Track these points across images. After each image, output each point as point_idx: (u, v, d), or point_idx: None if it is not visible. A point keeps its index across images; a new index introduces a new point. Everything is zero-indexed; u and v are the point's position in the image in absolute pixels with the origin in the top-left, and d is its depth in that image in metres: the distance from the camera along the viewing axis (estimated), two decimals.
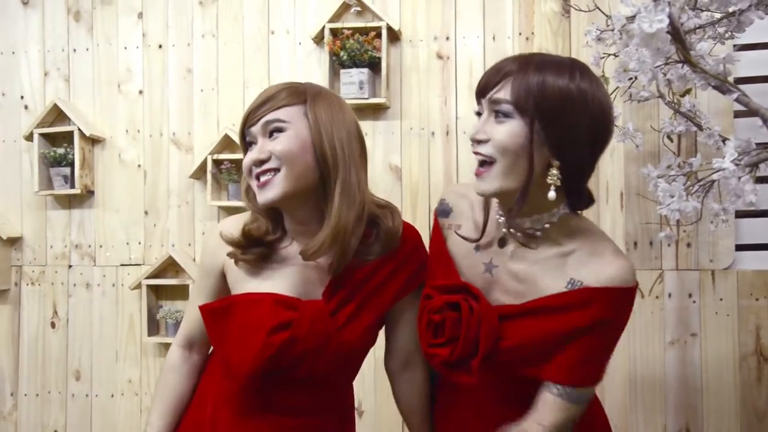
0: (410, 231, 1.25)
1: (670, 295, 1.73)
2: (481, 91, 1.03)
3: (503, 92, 0.99)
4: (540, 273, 1.05)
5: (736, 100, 0.88)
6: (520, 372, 1.06)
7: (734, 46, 1.70)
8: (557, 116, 0.97)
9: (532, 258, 1.07)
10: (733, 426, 1.71)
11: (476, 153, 1.03)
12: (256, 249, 1.17)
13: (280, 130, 1.12)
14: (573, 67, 1.00)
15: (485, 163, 1.03)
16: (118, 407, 2.33)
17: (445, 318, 1.06)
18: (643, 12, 0.79)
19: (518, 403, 1.08)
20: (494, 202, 1.12)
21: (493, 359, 1.05)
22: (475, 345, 1.04)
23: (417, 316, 1.19)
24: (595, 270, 1.01)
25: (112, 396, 2.33)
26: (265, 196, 1.11)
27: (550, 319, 1.01)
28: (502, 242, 1.11)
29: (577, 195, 1.06)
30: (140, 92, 2.33)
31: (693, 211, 0.96)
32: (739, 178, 0.86)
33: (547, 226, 1.05)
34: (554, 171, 0.99)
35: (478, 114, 1.05)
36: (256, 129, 1.13)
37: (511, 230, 1.07)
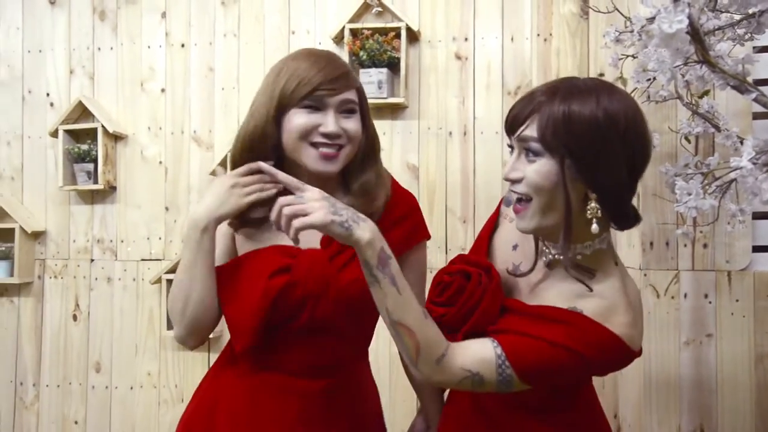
0: (406, 194, 1.32)
1: (685, 296, 1.74)
2: (510, 128, 1.02)
3: (530, 129, 0.98)
4: (552, 296, 1.04)
5: (755, 100, 0.90)
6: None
7: (754, 48, 1.71)
8: (587, 148, 0.94)
9: (557, 282, 1.05)
10: (748, 427, 1.71)
11: (512, 191, 1.02)
12: (257, 214, 1.21)
13: (353, 111, 1.19)
14: (599, 90, 0.97)
15: (522, 200, 1.01)
16: (137, 399, 2.37)
17: (454, 281, 1.08)
18: (663, 13, 0.81)
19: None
20: None
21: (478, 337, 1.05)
22: (469, 316, 1.04)
23: (419, 278, 1.30)
24: (600, 315, 0.98)
25: (132, 388, 2.37)
26: (331, 167, 1.18)
27: (543, 326, 0.99)
28: (549, 264, 1.09)
29: (623, 218, 1.03)
30: (162, 90, 2.38)
31: (710, 209, 0.97)
32: (757, 177, 0.88)
33: (579, 257, 1.03)
34: (592, 204, 0.97)
35: (511, 147, 1.04)
36: (333, 101, 1.16)
37: (557, 256, 1.04)
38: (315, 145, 1.16)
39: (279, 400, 1.22)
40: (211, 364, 2.30)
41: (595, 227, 0.97)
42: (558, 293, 1.03)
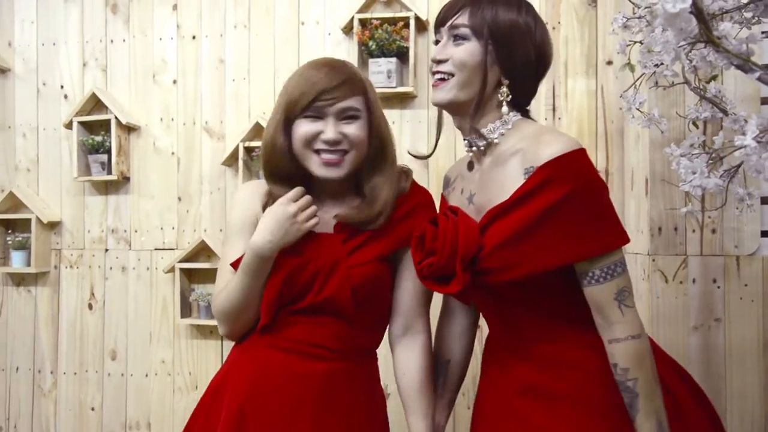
0: (421, 189, 1.39)
1: (694, 281, 1.74)
2: (441, 21, 1.20)
3: (461, 19, 1.17)
4: (502, 178, 1.14)
5: (759, 78, 0.91)
6: (521, 273, 1.07)
7: (762, 32, 1.71)
8: (507, 42, 1.16)
9: (494, 167, 1.17)
10: (756, 411, 1.71)
11: (436, 72, 1.18)
12: None
13: (354, 117, 1.27)
14: (521, 4, 1.19)
15: (442, 79, 1.18)
16: (151, 386, 2.41)
17: (425, 231, 1.16)
18: None
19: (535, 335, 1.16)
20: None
21: (483, 269, 1.09)
22: (455, 252, 1.10)
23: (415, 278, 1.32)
24: (539, 151, 1.09)
25: (146, 376, 2.41)
26: (335, 173, 1.27)
27: (521, 209, 1.07)
28: (470, 166, 1.25)
29: (523, 114, 1.23)
30: (174, 82, 2.41)
31: (715, 188, 0.98)
32: (761, 155, 0.89)
33: (503, 132, 1.18)
34: (504, 89, 1.17)
35: (437, 42, 1.21)
36: (332, 110, 1.25)
37: (472, 146, 1.21)
38: (318, 152, 1.26)
39: (279, 380, 1.27)
40: (224, 352, 2.35)
41: (505, 109, 1.17)
42: (508, 170, 1.14)
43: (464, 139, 1.24)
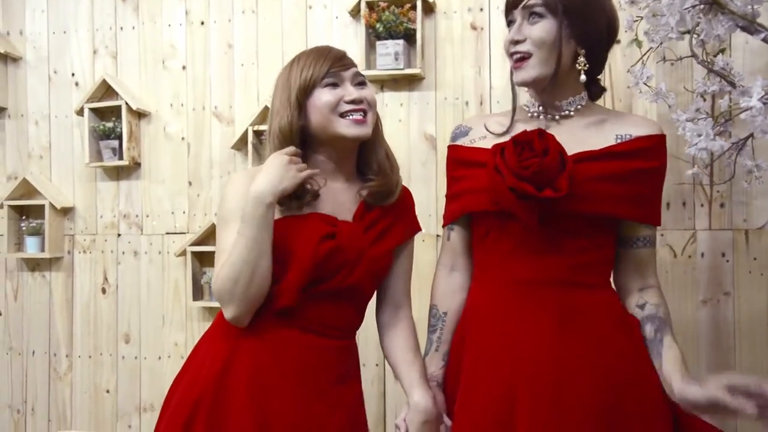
0: (405, 189, 1.47)
1: (703, 255, 1.75)
2: (513, 4, 1.27)
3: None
4: (584, 136, 1.26)
5: (764, 39, 0.91)
6: (593, 208, 1.20)
7: None
8: (582, 13, 1.23)
9: (571, 129, 1.28)
10: None
11: (514, 53, 1.26)
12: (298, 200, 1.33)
13: (364, 82, 1.37)
14: None
15: (522, 59, 1.25)
16: (164, 369, 2.44)
17: (533, 138, 1.21)
18: None
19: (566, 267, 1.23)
20: (525, 99, 1.35)
21: (570, 196, 1.18)
22: (561, 161, 1.18)
23: (410, 266, 1.46)
24: (636, 124, 1.26)
25: (159, 358, 2.44)
26: (363, 131, 1.33)
27: (616, 161, 1.21)
28: (546, 127, 1.30)
29: (595, 84, 1.34)
30: (183, 68, 2.43)
31: (720, 149, 0.99)
32: (766, 117, 0.89)
33: (579, 107, 1.30)
34: (581, 59, 1.25)
35: (510, 23, 1.29)
36: (347, 74, 1.34)
37: (549, 115, 1.30)
38: (343, 115, 1.31)
39: (299, 353, 1.32)
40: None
41: (583, 77, 1.26)
42: (593, 132, 1.27)
43: (538, 106, 1.32)
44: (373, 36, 2.21)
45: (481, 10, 2.22)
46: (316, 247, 1.28)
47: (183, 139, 2.43)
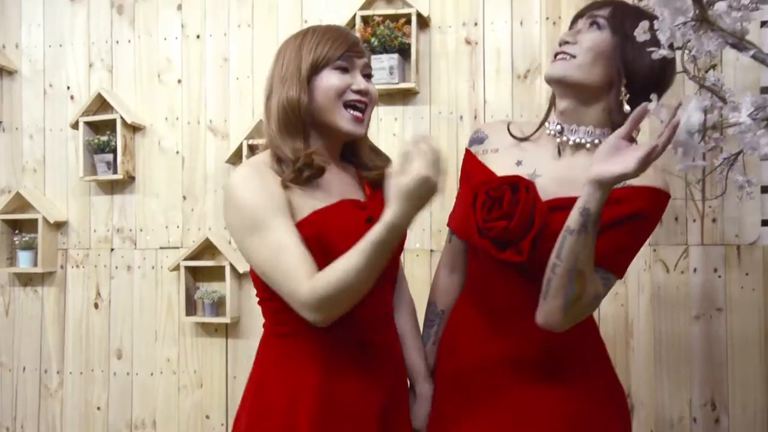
0: None
1: (695, 270, 1.76)
2: (581, 13, 1.24)
3: (602, 11, 1.21)
4: (582, 176, 1.12)
5: (753, 56, 0.92)
6: None
7: (762, 22, 1.73)
8: (640, 45, 1.10)
9: (574, 164, 1.21)
10: (759, 399, 1.72)
11: (560, 52, 1.20)
12: (309, 170, 1.24)
13: (371, 75, 1.31)
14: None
15: (563, 58, 1.20)
16: (157, 385, 2.42)
17: (504, 194, 1.17)
18: None
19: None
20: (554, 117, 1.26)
21: (537, 245, 1.15)
22: (529, 223, 1.14)
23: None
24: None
25: (152, 374, 2.43)
26: (360, 129, 1.27)
27: (608, 208, 1.08)
28: (557, 152, 1.25)
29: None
30: (179, 81, 2.43)
31: (708, 164, 1.00)
32: (755, 132, 0.90)
33: (597, 141, 1.20)
34: (623, 89, 1.17)
35: (573, 28, 1.23)
36: (359, 63, 1.28)
37: (564, 137, 1.22)
38: (347, 106, 1.25)
39: (356, 352, 1.26)
40: (228, 350, 2.37)
41: (627, 108, 1.16)
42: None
43: (557, 124, 1.24)
44: (368, 50, 2.21)
45: (476, 24, 2.23)
46: (362, 234, 1.13)
47: (178, 152, 2.43)
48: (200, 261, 2.35)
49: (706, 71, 1.62)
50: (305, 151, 1.22)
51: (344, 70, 1.26)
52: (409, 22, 2.19)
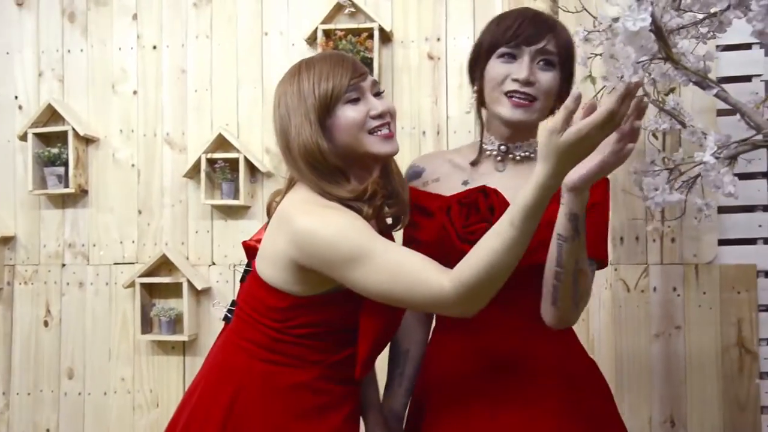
0: None
1: (655, 289, 1.78)
2: (525, 41, 1.23)
3: (550, 45, 1.23)
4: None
5: (716, 95, 0.93)
6: (535, 260, 1.16)
7: (717, 46, 1.76)
8: (571, 69, 1.30)
9: (526, 171, 1.23)
10: (715, 416, 1.76)
11: (524, 92, 1.22)
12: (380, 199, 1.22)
13: (380, 92, 1.25)
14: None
15: (528, 101, 1.23)
16: (110, 405, 2.34)
17: (477, 199, 1.21)
18: (627, 11, 0.84)
19: (521, 317, 1.23)
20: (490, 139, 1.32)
21: None
22: None
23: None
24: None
25: (105, 394, 2.35)
26: (394, 147, 1.21)
27: (554, 205, 1.12)
28: (499, 167, 1.31)
29: None
30: (134, 92, 2.36)
31: (677, 202, 1.01)
32: (719, 171, 0.91)
33: (532, 153, 1.29)
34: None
35: (509, 56, 1.24)
36: (366, 84, 1.21)
37: (510, 154, 1.29)
38: (372, 132, 1.19)
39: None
40: (186, 368, 2.31)
41: None
42: None
43: (500, 145, 1.29)
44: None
45: (438, 40, 2.23)
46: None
47: (133, 166, 2.35)
48: (156, 277, 2.29)
49: (666, 94, 1.65)
50: (360, 186, 1.18)
51: (356, 100, 1.19)
52: (371, 36, 2.16)
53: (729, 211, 1.81)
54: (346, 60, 1.22)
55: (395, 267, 1.08)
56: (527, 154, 1.30)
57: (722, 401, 1.76)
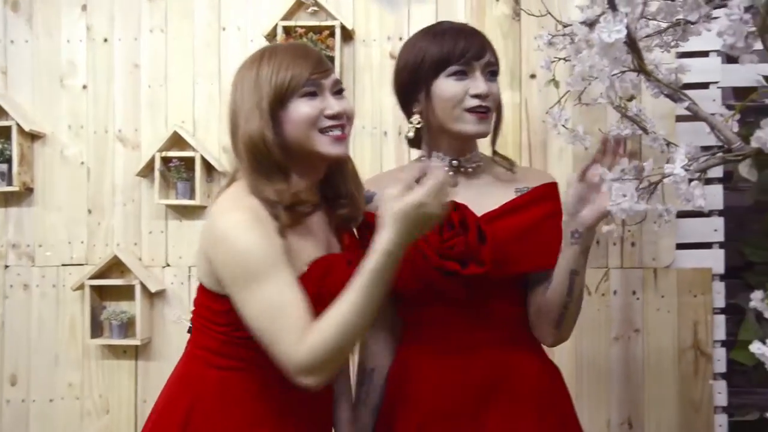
0: None
1: (615, 293, 1.80)
2: (475, 55, 1.26)
3: (491, 57, 1.30)
4: (489, 191, 1.31)
5: (687, 108, 0.93)
6: (510, 271, 1.24)
7: (676, 53, 1.78)
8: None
9: (478, 183, 1.32)
10: (672, 417, 1.79)
11: (482, 106, 1.25)
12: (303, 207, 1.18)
13: (343, 90, 1.22)
14: None
15: (486, 113, 1.27)
16: (57, 412, 2.24)
17: (451, 214, 1.20)
18: (603, 23, 0.83)
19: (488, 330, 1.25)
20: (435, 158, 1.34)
21: (491, 254, 1.21)
22: (480, 233, 1.21)
23: None
24: (533, 177, 1.34)
25: (51, 401, 2.25)
26: (344, 149, 1.19)
27: (523, 213, 1.26)
28: (452, 182, 1.26)
29: None
30: (84, 87, 2.26)
31: (643, 212, 1.01)
32: (690, 181, 0.91)
33: (481, 162, 1.35)
34: None
35: (461, 72, 1.26)
36: (327, 82, 1.18)
37: (462, 167, 1.32)
38: (323, 131, 1.16)
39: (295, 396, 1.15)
40: (138, 373, 2.23)
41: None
42: (497, 193, 1.31)
43: (452, 161, 1.32)
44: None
45: (400, 39, 2.19)
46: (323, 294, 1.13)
47: (82, 163, 2.25)
48: (107, 279, 2.20)
49: (629, 100, 1.65)
50: (290, 191, 1.13)
51: (313, 95, 1.16)
52: (332, 34, 2.12)
53: (686, 216, 1.84)
54: (310, 53, 1.19)
55: (279, 308, 1.06)
56: (476, 164, 1.34)
57: (678, 403, 1.80)
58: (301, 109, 1.14)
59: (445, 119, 1.27)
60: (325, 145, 1.16)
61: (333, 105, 1.16)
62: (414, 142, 1.39)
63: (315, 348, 1.02)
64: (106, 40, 2.25)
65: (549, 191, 1.33)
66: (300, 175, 1.18)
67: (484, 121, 1.27)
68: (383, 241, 1.01)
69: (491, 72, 1.29)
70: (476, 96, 1.24)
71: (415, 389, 1.29)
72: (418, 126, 1.31)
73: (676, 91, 0.92)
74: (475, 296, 1.23)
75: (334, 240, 1.27)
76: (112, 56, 2.25)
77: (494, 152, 1.37)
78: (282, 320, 1.05)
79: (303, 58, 1.16)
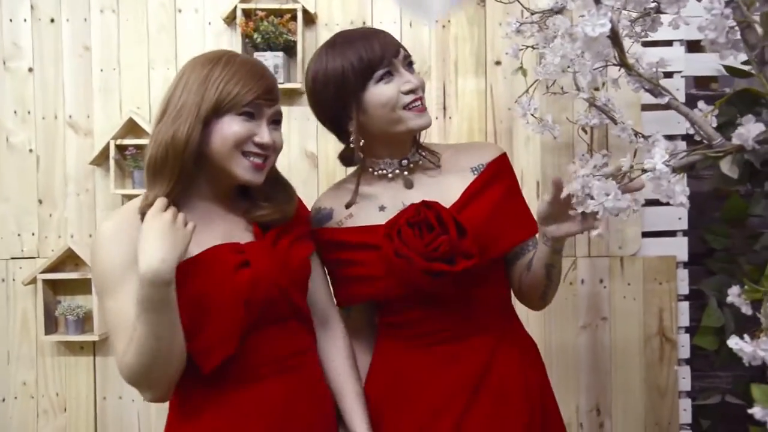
0: (304, 207, 1.36)
1: (583, 281, 1.81)
2: (395, 53, 1.24)
3: (404, 49, 1.27)
4: (446, 180, 1.29)
5: (667, 103, 0.91)
6: (494, 254, 1.24)
7: (641, 43, 1.78)
8: None
9: (433, 175, 1.31)
10: (638, 403, 1.82)
11: (420, 99, 1.25)
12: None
13: (279, 122, 1.22)
14: None
15: (422, 103, 1.26)
16: (11, 412, 2.15)
17: (425, 215, 1.19)
18: (587, 16, 0.80)
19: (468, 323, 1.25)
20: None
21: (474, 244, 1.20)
22: (459, 228, 1.19)
23: (324, 274, 1.36)
24: (482, 153, 1.33)
25: (4, 400, 2.15)
26: (259, 178, 1.18)
27: (486, 194, 1.26)
28: (408, 183, 1.30)
29: None
30: (30, 70, 2.13)
31: (627, 209, 0.99)
32: (669, 180, 0.89)
33: (424, 151, 1.32)
34: None
35: (387, 74, 1.22)
36: (269, 112, 1.18)
37: (411, 164, 1.30)
38: (246, 154, 1.16)
39: (262, 412, 1.16)
40: (96, 369, 2.15)
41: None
42: (455, 179, 1.29)
43: (403, 159, 1.29)
44: (251, 46, 2.06)
45: (364, 23, 2.14)
46: (233, 282, 1.11)
47: (31, 151, 2.14)
48: (61, 273, 2.10)
49: (597, 89, 1.64)
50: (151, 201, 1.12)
51: (250, 116, 1.14)
52: (294, 18, 2.05)
53: (651, 204, 1.85)
54: (266, 77, 1.18)
55: (112, 322, 1.12)
56: (418, 160, 1.31)
57: (644, 388, 1.83)
58: (234, 126, 1.14)
59: (386, 125, 1.24)
60: (241, 169, 1.16)
61: (265, 135, 1.16)
62: (346, 161, 1.36)
63: (125, 365, 1.08)
64: (52, 21, 2.13)
65: (502, 164, 1.33)
66: (208, 179, 1.19)
67: (424, 113, 1.25)
68: (143, 269, 1.03)
69: (409, 63, 1.28)
70: (410, 91, 1.23)
71: (403, 388, 1.28)
72: (360, 143, 1.25)
73: (656, 86, 0.90)
74: (460, 289, 1.23)
75: (244, 230, 1.23)
76: (59, 38, 2.13)
77: (420, 146, 1.34)
78: (117, 333, 1.11)
79: (256, 79, 1.16)
